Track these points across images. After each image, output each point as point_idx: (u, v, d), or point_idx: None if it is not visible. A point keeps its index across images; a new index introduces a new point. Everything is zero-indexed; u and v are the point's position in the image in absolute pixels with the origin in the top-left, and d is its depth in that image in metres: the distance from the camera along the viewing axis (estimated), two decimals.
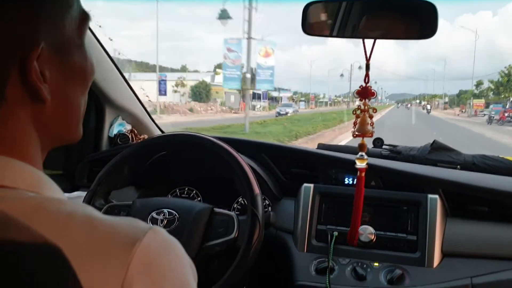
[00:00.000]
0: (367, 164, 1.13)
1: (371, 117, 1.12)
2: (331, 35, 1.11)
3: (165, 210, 1.19)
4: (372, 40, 1.06)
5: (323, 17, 1.10)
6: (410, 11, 1.03)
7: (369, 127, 1.11)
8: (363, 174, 1.14)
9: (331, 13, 1.09)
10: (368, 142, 1.19)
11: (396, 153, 1.58)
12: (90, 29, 1.51)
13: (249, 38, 19.37)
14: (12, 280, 0.36)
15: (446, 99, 78.97)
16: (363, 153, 1.12)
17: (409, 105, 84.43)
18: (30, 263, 0.38)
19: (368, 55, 1.08)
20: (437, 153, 1.55)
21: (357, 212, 1.17)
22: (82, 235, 0.43)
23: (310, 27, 1.10)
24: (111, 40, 1.59)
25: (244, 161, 1.19)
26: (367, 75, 1.10)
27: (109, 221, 0.46)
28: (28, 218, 0.41)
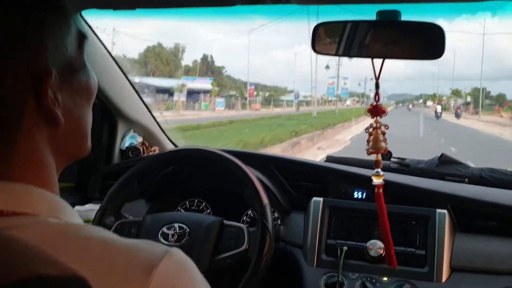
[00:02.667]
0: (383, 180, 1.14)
1: (383, 133, 1.13)
2: (337, 54, 1.13)
3: (176, 225, 1.21)
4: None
5: (332, 37, 1.12)
6: (417, 33, 1.04)
7: (383, 144, 1.12)
8: (381, 190, 1.15)
9: (340, 33, 1.11)
10: None
11: (404, 166, 1.59)
12: (101, 42, 1.54)
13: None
14: None
15: (468, 99, 59.97)
16: (379, 170, 1.13)
17: (410, 106, 74.85)
18: None
19: (377, 75, 1.09)
20: (445, 166, 1.56)
21: (385, 230, 1.12)
22: (99, 261, 0.44)
23: (319, 46, 1.12)
24: (114, 44, 1.61)
25: (252, 172, 1.21)
26: (377, 93, 1.11)
27: (126, 246, 0.47)
28: (53, 248, 0.42)
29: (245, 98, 50.40)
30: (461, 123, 29.20)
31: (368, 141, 1.14)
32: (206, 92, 41.66)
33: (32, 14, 0.51)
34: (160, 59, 48.92)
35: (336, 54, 1.15)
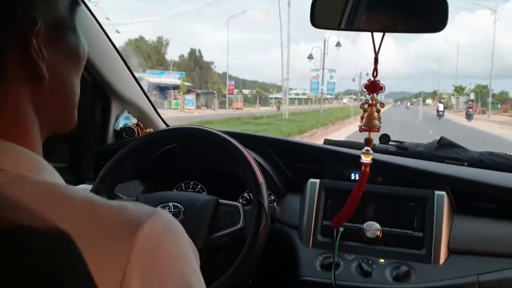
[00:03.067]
0: (372, 159, 1.12)
1: (378, 111, 1.10)
2: (339, 28, 1.10)
3: (170, 204, 1.19)
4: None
5: (331, 10, 1.09)
6: (419, 5, 1.02)
7: (376, 122, 1.10)
8: (368, 169, 1.13)
9: (339, 6, 1.08)
10: (375, 139, 1.18)
11: (402, 150, 1.57)
12: (97, 21, 1.51)
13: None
14: (24, 266, 0.36)
15: (472, 96, 55.08)
16: (369, 148, 1.11)
17: (408, 104, 70.84)
18: (42, 249, 0.37)
19: (376, 49, 1.06)
20: (444, 149, 1.54)
21: (352, 203, 1.16)
22: (84, 220, 0.43)
23: (318, 20, 1.08)
24: (118, 32, 1.58)
25: (248, 152, 1.19)
26: (375, 69, 1.09)
27: (112, 205, 0.46)
28: (36, 203, 0.41)
29: (224, 96, 46.18)
30: (472, 125, 24.59)
31: (361, 118, 1.11)
32: (175, 88, 37.84)
33: None
34: (141, 53, 46.61)
35: (336, 28, 1.13)
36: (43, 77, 0.50)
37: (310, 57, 39.10)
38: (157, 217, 0.46)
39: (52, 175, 0.51)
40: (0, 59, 0.47)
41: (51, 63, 0.51)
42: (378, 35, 1.07)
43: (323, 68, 41.47)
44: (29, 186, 0.45)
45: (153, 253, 0.43)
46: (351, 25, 1.07)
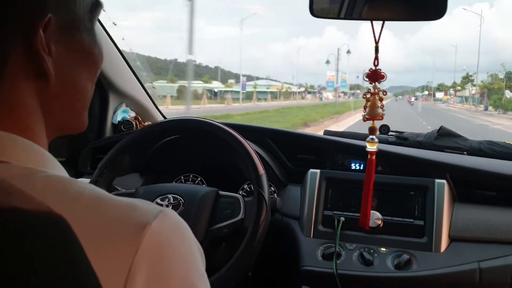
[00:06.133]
0: (380, 150, 1.12)
1: (381, 99, 1.10)
2: (338, 17, 1.09)
3: (170, 196, 1.18)
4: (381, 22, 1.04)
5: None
6: None
7: (379, 110, 1.10)
8: (374, 157, 1.13)
9: None
10: None
11: (402, 139, 1.56)
12: (103, 5, 1.49)
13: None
14: (15, 248, 0.35)
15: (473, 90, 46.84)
16: (374, 136, 1.11)
17: (413, 99, 62.15)
18: (34, 232, 0.37)
19: (377, 38, 1.06)
20: (444, 139, 1.54)
21: (367, 195, 1.15)
22: (90, 216, 0.42)
23: (318, 9, 1.08)
24: (115, 24, 1.56)
25: (248, 143, 1.18)
26: (376, 57, 1.08)
27: (119, 203, 0.45)
28: (41, 195, 0.40)
29: None
30: None
31: (365, 107, 1.11)
32: None
33: None
34: None
35: (335, 17, 1.12)
36: (48, 73, 0.49)
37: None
38: (164, 216, 0.45)
39: (59, 170, 0.50)
40: (1, 48, 0.46)
41: (60, 61, 0.50)
42: (378, 25, 1.07)
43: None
44: (36, 178, 0.45)
45: (159, 252, 0.43)
46: (351, 14, 1.07)
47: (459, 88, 61.91)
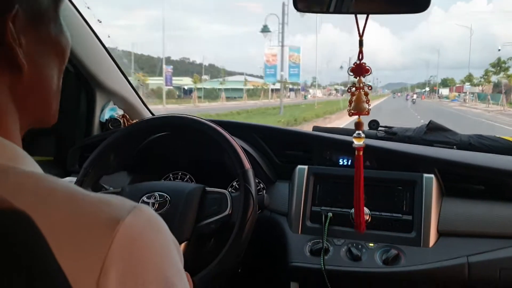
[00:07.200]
0: (368, 145, 1.11)
1: (366, 94, 1.09)
2: (321, 11, 1.08)
3: (156, 194, 1.17)
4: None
5: None
6: None
7: (365, 105, 1.09)
8: (361, 153, 1.12)
9: None
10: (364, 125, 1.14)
11: (391, 134, 1.56)
12: (79, 12, 1.48)
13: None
14: None
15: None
16: (360, 132, 1.10)
17: (415, 96, 49.86)
18: None
19: (361, 31, 1.05)
20: (433, 133, 1.53)
21: (358, 193, 1.12)
22: (62, 212, 0.42)
23: (301, 2, 1.07)
24: (100, 22, 1.55)
25: (233, 138, 1.17)
26: (360, 51, 1.07)
27: (93, 198, 0.44)
28: (12, 192, 0.40)
29: None
30: None
31: (350, 102, 1.10)
32: None
33: None
34: None
35: (318, 11, 1.11)
36: (22, 65, 0.48)
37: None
38: (138, 212, 0.44)
39: (32, 165, 0.50)
40: None
41: (29, 52, 0.50)
42: (362, 19, 1.06)
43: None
44: (8, 175, 0.44)
45: (132, 248, 0.42)
46: (334, 8, 1.06)
47: (481, 81, 46.59)
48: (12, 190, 0.42)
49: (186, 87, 53.33)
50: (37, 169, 0.50)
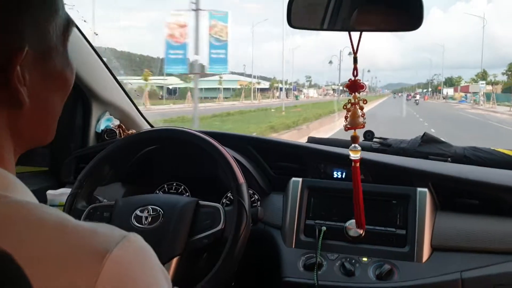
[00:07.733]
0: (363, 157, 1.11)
1: (361, 108, 1.10)
2: (315, 28, 1.09)
3: (149, 207, 1.17)
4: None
5: (306, 10, 1.08)
6: (397, 4, 1.01)
7: (361, 119, 1.10)
8: (358, 164, 1.12)
9: (317, 5, 1.07)
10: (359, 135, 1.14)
11: (386, 146, 1.56)
12: (75, 25, 1.48)
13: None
14: None
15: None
16: (356, 145, 1.11)
17: (418, 97, 46.79)
18: None
19: (355, 49, 1.05)
20: (427, 145, 1.53)
21: (358, 201, 1.14)
22: (51, 244, 0.42)
23: (295, 19, 1.07)
24: (97, 35, 1.55)
25: (227, 151, 1.17)
26: (355, 68, 1.08)
27: (81, 229, 0.44)
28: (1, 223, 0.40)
29: None
30: None
31: (346, 117, 1.11)
32: None
33: None
34: None
35: (312, 28, 1.12)
36: (23, 103, 0.49)
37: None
38: (127, 242, 0.44)
39: (25, 194, 0.50)
40: None
41: (34, 86, 0.50)
42: (355, 35, 1.06)
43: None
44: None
45: (120, 280, 0.42)
46: (328, 26, 1.06)
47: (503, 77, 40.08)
48: (0, 222, 0.42)
49: (171, 87, 48.90)
50: (29, 196, 0.50)
